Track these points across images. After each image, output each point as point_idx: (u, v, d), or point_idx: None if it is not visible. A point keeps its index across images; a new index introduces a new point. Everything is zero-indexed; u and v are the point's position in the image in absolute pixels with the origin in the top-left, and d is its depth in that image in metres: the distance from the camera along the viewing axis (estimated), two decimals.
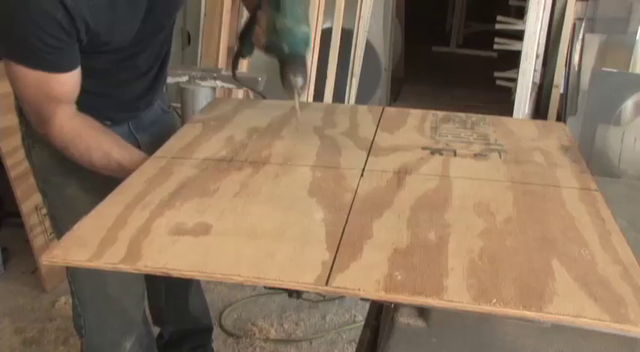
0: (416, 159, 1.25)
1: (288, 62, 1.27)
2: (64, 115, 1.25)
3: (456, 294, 0.82)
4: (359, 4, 3.30)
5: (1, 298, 2.54)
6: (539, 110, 3.81)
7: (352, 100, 3.43)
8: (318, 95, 3.31)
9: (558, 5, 3.54)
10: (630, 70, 3.05)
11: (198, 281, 1.98)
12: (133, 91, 1.47)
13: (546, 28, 3.51)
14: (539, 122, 1.51)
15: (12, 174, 2.43)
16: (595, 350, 0.97)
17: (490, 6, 4.59)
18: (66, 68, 1.21)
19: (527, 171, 1.20)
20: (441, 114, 1.51)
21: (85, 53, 1.24)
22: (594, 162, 2.47)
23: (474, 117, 1.50)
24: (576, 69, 3.40)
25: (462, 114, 1.51)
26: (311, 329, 2.36)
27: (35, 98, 1.22)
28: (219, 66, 3.04)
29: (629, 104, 2.46)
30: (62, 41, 1.16)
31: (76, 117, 1.28)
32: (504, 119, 1.50)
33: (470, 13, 5.87)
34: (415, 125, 1.44)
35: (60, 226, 1.49)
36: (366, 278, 0.85)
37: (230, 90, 3.07)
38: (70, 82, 1.23)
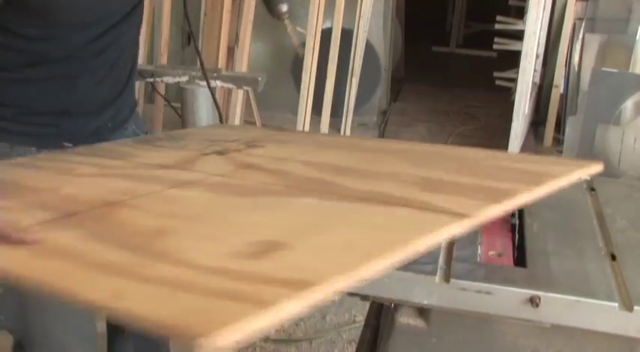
0: None
1: None
2: None
3: None
4: (359, 4, 3.30)
5: None
6: (539, 110, 3.81)
7: (352, 100, 3.43)
8: (318, 95, 3.31)
9: (558, 5, 3.54)
10: (630, 70, 3.05)
11: None
12: (88, 96, 1.29)
13: (546, 28, 3.51)
14: None
15: None
16: (595, 350, 0.97)
17: (490, 6, 4.59)
18: None
19: None
20: None
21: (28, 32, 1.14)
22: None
23: None
24: (576, 69, 3.41)
25: None
26: (311, 329, 2.36)
27: None
28: (220, 66, 3.04)
29: (629, 104, 2.46)
30: None
31: None
32: None
33: (470, 13, 5.87)
34: None
35: None
36: None
37: (230, 90, 3.07)
38: None
